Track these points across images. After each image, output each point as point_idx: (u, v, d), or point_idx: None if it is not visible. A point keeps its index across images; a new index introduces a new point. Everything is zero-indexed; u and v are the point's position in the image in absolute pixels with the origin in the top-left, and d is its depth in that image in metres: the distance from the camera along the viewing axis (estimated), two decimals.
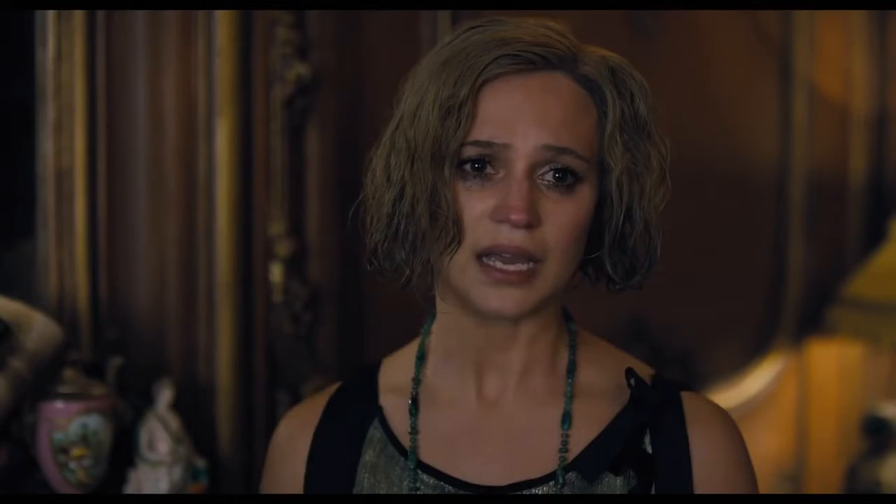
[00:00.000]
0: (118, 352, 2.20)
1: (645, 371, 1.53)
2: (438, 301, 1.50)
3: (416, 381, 1.52)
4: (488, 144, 1.40)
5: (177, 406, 2.17)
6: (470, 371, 1.49)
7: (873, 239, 3.62)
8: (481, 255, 1.40)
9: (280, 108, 2.40)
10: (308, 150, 2.46)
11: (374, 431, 1.51)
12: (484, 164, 1.40)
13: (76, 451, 2.04)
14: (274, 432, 1.60)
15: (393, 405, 1.52)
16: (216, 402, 2.34)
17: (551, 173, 1.41)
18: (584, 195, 1.42)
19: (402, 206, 1.41)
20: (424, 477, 1.47)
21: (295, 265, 2.44)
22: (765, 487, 3.53)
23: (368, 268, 1.49)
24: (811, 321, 3.57)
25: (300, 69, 2.41)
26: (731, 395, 3.38)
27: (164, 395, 2.15)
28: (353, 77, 2.52)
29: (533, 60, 1.41)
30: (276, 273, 2.42)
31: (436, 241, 1.40)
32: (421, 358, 1.54)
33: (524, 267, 1.39)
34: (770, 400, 3.50)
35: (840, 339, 3.57)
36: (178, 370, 2.30)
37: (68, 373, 2.07)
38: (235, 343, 2.34)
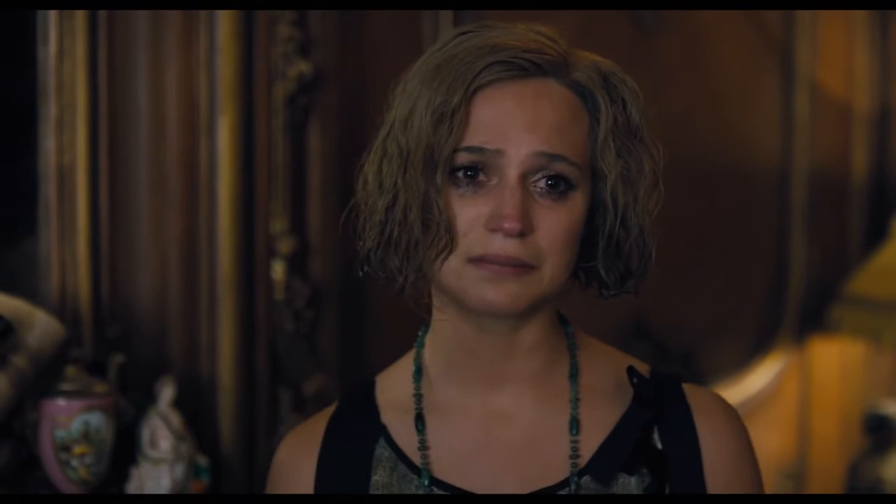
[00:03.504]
0: (120, 349, 2.20)
1: (643, 368, 1.53)
2: (435, 310, 1.49)
3: (418, 396, 1.51)
4: (481, 151, 1.39)
5: (178, 403, 2.17)
6: (474, 383, 1.49)
7: (875, 237, 3.62)
8: (474, 261, 1.40)
9: (282, 105, 2.40)
10: (310, 147, 2.46)
11: (382, 451, 1.49)
12: (476, 171, 1.40)
13: (78, 449, 2.05)
14: (274, 458, 1.57)
15: (397, 423, 1.50)
16: (218, 400, 2.34)
17: (544, 180, 1.41)
18: (577, 202, 1.42)
19: (394, 213, 1.41)
20: (440, 493, 1.46)
21: (297, 262, 2.44)
22: (767, 485, 3.53)
23: (360, 274, 1.49)
24: (813, 319, 3.56)
25: (302, 66, 2.41)
26: (732, 393, 3.37)
27: (166, 393, 2.15)
28: (354, 74, 2.52)
29: (525, 67, 1.41)
30: (278, 270, 2.42)
31: (428, 248, 1.40)
32: (418, 372, 1.52)
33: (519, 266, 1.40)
34: (772, 398, 3.50)
35: (842, 337, 3.57)
36: (180, 367, 2.30)
37: (70, 370, 2.07)
38: (237, 340, 2.34)
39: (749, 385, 3.44)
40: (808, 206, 3.55)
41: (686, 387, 1.52)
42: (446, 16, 2.62)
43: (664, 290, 3.21)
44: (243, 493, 2.32)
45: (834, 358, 3.66)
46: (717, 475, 1.48)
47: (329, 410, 1.57)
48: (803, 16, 3.48)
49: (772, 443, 3.49)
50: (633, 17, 3.09)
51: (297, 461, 1.54)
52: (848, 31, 3.63)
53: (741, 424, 1.52)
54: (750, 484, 1.52)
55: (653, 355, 3.21)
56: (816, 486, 3.62)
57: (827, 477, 3.63)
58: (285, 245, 2.42)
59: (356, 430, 1.52)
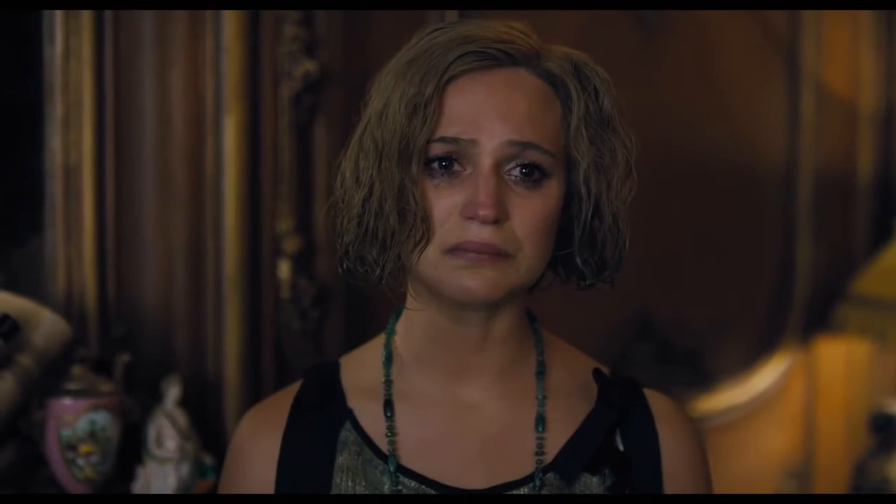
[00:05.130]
0: (126, 348, 2.20)
1: (604, 370, 1.55)
2: (410, 299, 1.50)
3: (388, 382, 1.51)
4: (455, 141, 1.41)
5: (184, 402, 2.17)
6: (445, 373, 1.49)
7: (881, 236, 3.62)
8: (451, 251, 1.41)
9: (288, 104, 2.40)
10: (316, 146, 2.46)
11: (348, 434, 1.49)
12: (451, 161, 1.42)
13: (84, 448, 2.05)
14: (237, 432, 1.56)
15: (363, 407, 1.50)
16: (224, 399, 2.34)
17: (518, 169, 1.42)
18: (552, 189, 1.44)
19: (370, 204, 1.43)
20: (405, 480, 1.46)
21: (303, 262, 2.45)
22: (772, 485, 3.54)
23: (340, 271, 1.49)
24: (818, 318, 3.56)
25: (308, 66, 2.41)
26: (738, 393, 3.37)
27: (172, 392, 2.16)
28: (360, 74, 2.52)
29: (496, 57, 1.43)
30: (284, 269, 2.43)
31: (406, 240, 1.41)
32: (389, 358, 1.52)
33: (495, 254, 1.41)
34: (777, 397, 3.50)
35: (847, 337, 3.56)
36: (186, 367, 2.30)
37: (76, 369, 2.08)
38: (243, 340, 2.34)
39: (755, 384, 3.44)
40: (814, 205, 3.55)
41: (647, 392, 1.54)
42: (452, 16, 2.62)
43: (669, 289, 3.21)
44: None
45: (839, 357, 3.66)
46: (676, 481, 1.50)
47: (292, 389, 1.56)
48: (809, 15, 3.47)
49: (777, 442, 3.49)
50: (638, 17, 3.09)
51: (261, 437, 1.52)
52: (853, 30, 3.62)
53: (699, 434, 1.55)
54: (704, 493, 1.54)
55: (657, 355, 3.21)
56: (822, 486, 3.61)
57: (832, 476, 3.63)
58: (291, 244, 2.42)
59: (322, 412, 1.51)
